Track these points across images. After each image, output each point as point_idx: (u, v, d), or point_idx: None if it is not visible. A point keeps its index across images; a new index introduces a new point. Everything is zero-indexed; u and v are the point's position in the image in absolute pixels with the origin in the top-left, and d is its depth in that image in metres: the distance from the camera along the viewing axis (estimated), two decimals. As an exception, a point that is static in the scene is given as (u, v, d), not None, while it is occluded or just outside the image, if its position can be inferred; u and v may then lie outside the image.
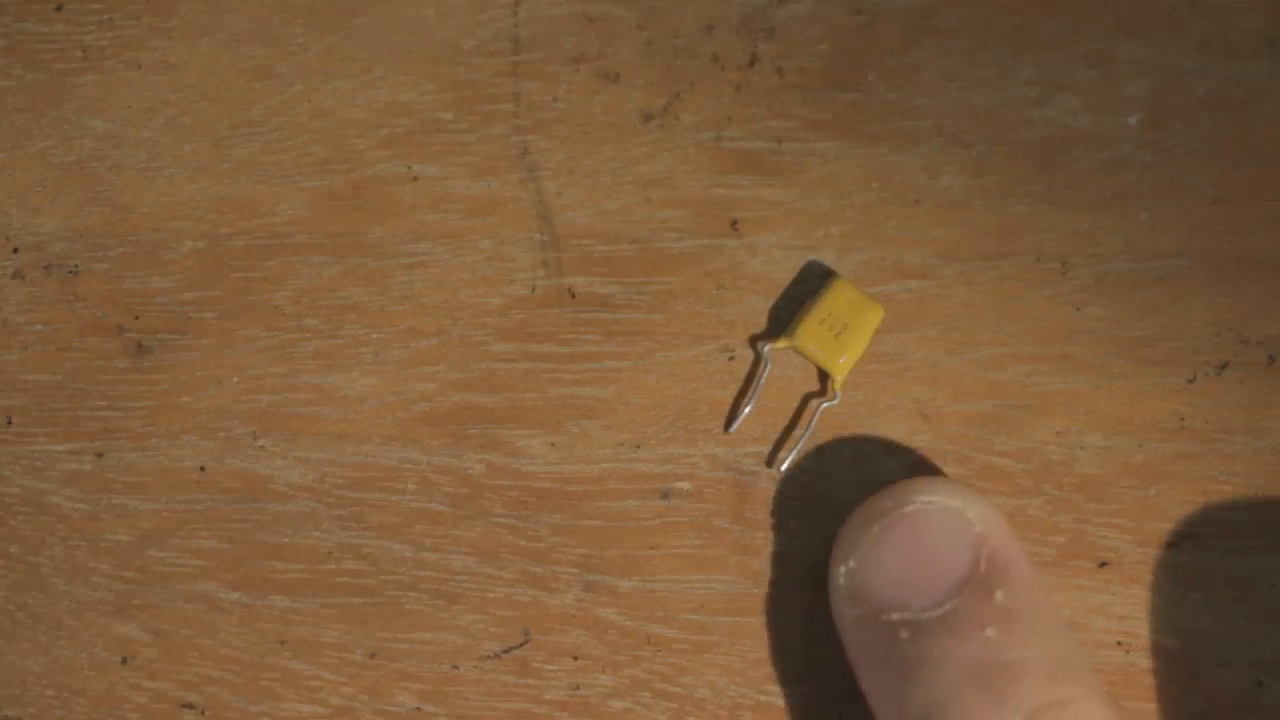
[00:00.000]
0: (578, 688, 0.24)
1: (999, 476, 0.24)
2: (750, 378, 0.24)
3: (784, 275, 0.24)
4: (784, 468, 0.24)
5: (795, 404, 0.24)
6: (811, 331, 0.23)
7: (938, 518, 0.20)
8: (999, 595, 0.19)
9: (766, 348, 0.24)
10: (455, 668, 0.24)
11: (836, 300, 0.23)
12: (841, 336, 0.23)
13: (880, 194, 0.24)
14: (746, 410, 0.24)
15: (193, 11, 0.26)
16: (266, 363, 0.25)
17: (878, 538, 0.20)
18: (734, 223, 0.24)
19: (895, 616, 0.20)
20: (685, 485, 0.24)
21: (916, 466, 0.24)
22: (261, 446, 0.25)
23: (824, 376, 0.24)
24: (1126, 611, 0.23)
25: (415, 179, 0.25)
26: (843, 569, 0.21)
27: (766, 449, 0.24)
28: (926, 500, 0.20)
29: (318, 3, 0.26)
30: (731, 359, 0.24)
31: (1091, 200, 0.24)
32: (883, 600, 0.20)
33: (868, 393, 0.24)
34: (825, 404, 0.24)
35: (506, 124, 0.25)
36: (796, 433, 0.24)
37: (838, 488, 0.24)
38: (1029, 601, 0.19)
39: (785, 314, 0.24)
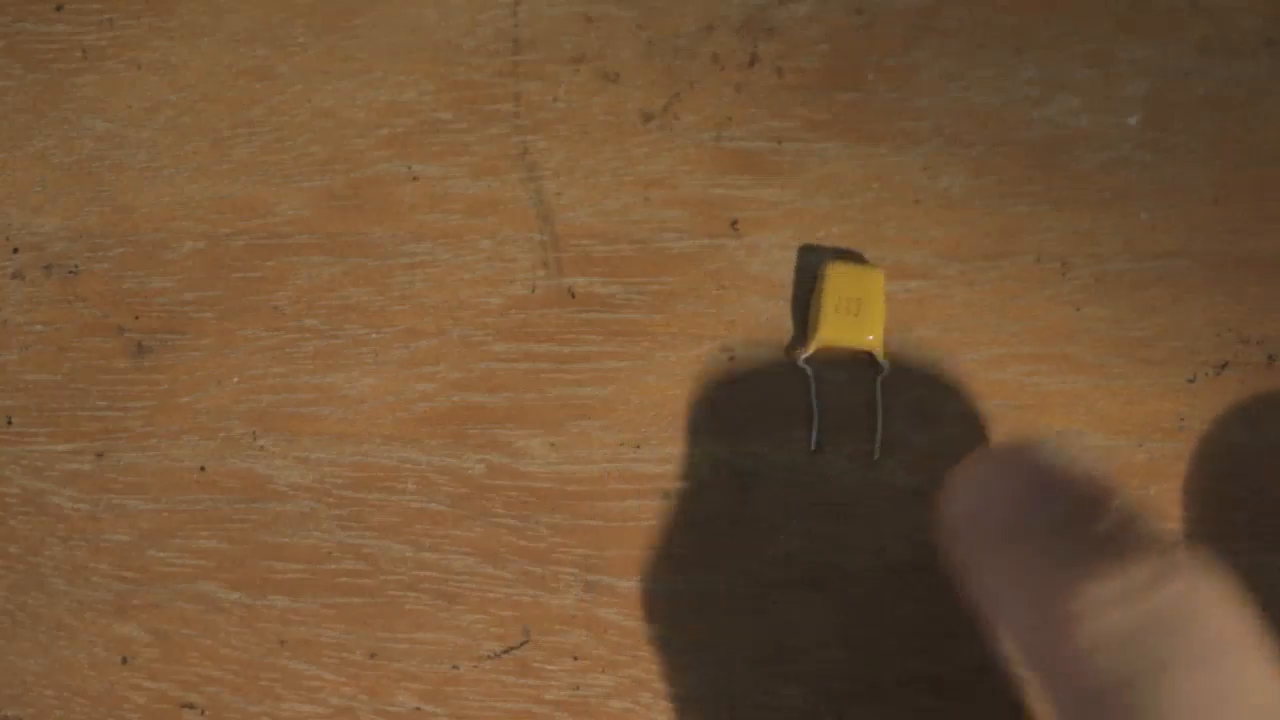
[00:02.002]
0: (578, 688, 0.24)
1: (999, 476, 0.24)
2: (750, 383, 0.24)
3: (784, 275, 0.24)
4: (876, 456, 0.24)
5: (830, 399, 0.24)
6: (834, 324, 0.23)
7: (1056, 451, 0.21)
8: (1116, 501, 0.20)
9: (801, 359, 0.24)
10: (455, 668, 0.24)
11: (839, 284, 0.23)
12: (861, 314, 0.23)
13: (880, 194, 0.24)
14: (816, 422, 0.24)
15: (193, 11, 0.26)
16: (266, 363, 0.25)
17: (998, 469, 0.21)
18: (734, 223, 0.24)
19: (1026, 527, 0.20)
20: (685, 485, 0.24)
21: (917, 466, 0.24)
22: (261, 446, 0.25)
23: (821, 355, 0.24)
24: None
25: (415, 179, 0.25)
26: (964, 500, 0.21)
27: (767, 448, 0.24)
28: (1044, 441, 0.21)
29: (318, 3, 0.26)
30: (731, 359, 0.24)
31: (1091, 200, 0.24)
32: (1012, 521, 0.20)
33: (867, 393, 0.24)
34: (880, 376, 0.24)
35: (506, 124, 0.25)
36: (849, 420, 0.24)
37: (837, 488, 0.24)
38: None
39: (786, 315, 0.24)
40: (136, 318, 0.25)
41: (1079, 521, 0.20)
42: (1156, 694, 0.17)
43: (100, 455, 0.25)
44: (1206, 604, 0.18)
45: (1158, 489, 0.23)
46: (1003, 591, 0.20)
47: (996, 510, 0.20)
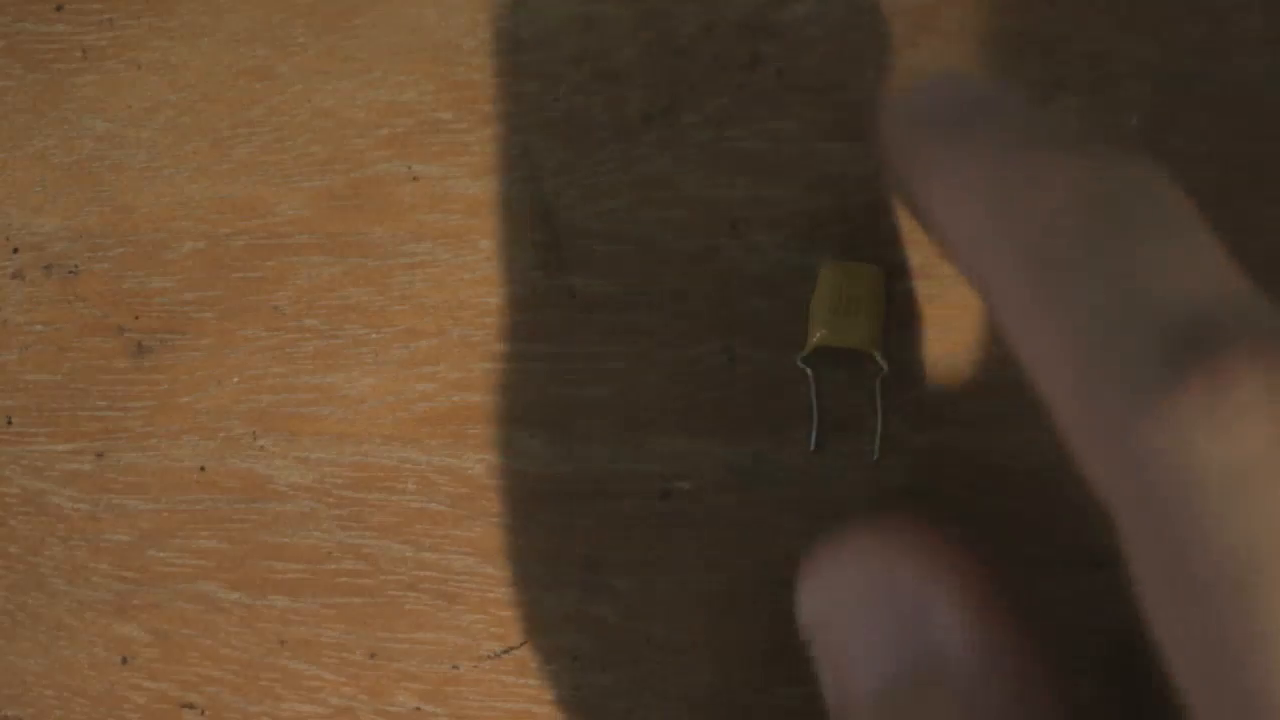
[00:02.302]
0: (578, 688, 0.24)
1: (999, 476, 0.24)
2: (742, 383, 0.24)
3: (784, 275, 0.24)
4: (876, 456, 0.24)
5: (830, 399, 0.24)
6: (833, 324, 0.23)
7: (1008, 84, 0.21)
8: None
9: (800, 359, 0.24)
10: (455, 668, 0.24)
11: (838, 283, 0.23)
12: (860, 314, 0.23)
13: (880, 194, 0.24)
14: (816, 422, 0.24)
15: (193, 11, 0.26)
16: (266, 363, 0.25)
17: (952, 80, 0.20)
18: (734, 223, 0.24)
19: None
20: (685, 485, 0.24)
21: (917, 466, 0.24)
22: (261, 446, 0.25)
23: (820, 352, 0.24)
24: (1125, 612, 0.23)
25: (415, 179, 0.25)
26: (913, 105, 0.20)
27: (766, 448, 0.24)
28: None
29: (318, 3, 0.26)
30: (731, 359, 0.24)
31: (1091, 200, 0.24)
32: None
33: (867, 393, 0.24)
34: (880, 376, 0.24)
35: (506, 124, 0.25)
36: (862, 419, 0.24)
37: (836, 489, 0.24)
38: None
39: (786, 315, 0.24)
40: (136, 318, 0.25)
41: (1035, 120, 0.19)
42: (1116, 259, 0.17)
43: (100, 455, 0.25)
44: (1166, 184, 0.18)
45: (1158, 489, 0.23)
46: (955, 192, 0.19)
47: (949, 112, 0.19)
